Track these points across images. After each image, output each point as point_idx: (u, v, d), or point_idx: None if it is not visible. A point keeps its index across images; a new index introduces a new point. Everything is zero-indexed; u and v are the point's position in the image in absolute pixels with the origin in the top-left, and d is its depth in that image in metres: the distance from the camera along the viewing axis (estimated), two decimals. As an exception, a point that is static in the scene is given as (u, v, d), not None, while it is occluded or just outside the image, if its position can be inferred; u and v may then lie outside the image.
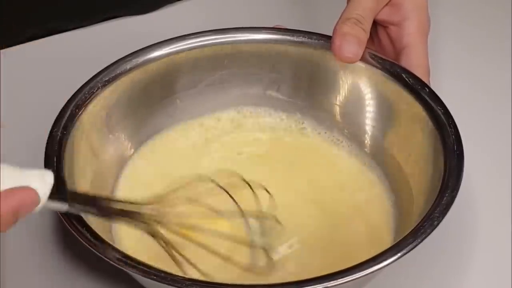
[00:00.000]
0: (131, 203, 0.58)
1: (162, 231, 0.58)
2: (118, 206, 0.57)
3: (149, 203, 0.59)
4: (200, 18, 0.88)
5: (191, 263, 0.59)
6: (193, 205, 0.60)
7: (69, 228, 0.57)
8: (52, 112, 0.65)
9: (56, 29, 0.88)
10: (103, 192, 0.66)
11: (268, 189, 0.63)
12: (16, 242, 0.67)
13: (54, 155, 0.61)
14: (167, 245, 0.58)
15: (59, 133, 0.63)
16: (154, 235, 0.58)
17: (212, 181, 0.61)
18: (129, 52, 0.69)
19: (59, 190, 0.54)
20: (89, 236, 0.56)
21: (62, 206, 0.55)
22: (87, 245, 0.56)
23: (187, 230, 0.59)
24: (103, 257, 0.55)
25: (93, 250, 0.56)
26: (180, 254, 0.59)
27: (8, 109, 0.78)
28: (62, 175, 0.60)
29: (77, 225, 0.57)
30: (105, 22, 0.90)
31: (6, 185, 0.50)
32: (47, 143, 0.62)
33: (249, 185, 0.62)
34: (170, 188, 0.60)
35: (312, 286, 0.53)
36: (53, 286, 0.66)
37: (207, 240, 0.59)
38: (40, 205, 0.52)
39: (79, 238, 0.56)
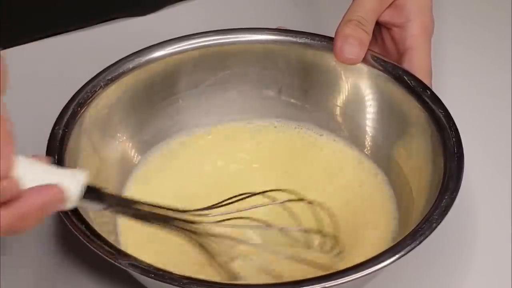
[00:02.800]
0: (169, 209, 0.58)
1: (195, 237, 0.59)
2: (151, 209, 0.57)
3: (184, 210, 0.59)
4: (201, 19, 0.88)
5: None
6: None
7: (68, 225, 0.57)
8: (53, 112, 0.65)
9: (57, 30, 0.88)
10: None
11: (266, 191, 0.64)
12: (17, 242, 0.67)
13: (56, 153, 0.61)
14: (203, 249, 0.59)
15: (60, 131, 0.63)
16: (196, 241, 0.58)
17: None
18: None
19: (94, 190, 0.54)
20: (88, 234, 0.56)
21: (98, 206, 0.55)
22: (85, 242, 0.56)
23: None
24: (102, 255, 0.55)
25: (92, 248, 0.56)
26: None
27: (8, 109, 0.78)
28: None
29: (76, 222, 0.57)
30: (105, 23, 0.89)
31: (35, 182, 0.50)
32: (48, 141, 0.62)
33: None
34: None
35: (310, 286, 0.53)
36: (53, 285, 0.66)
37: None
38: (71, 204, 0.52)
39: (77, 235, 0.56)
